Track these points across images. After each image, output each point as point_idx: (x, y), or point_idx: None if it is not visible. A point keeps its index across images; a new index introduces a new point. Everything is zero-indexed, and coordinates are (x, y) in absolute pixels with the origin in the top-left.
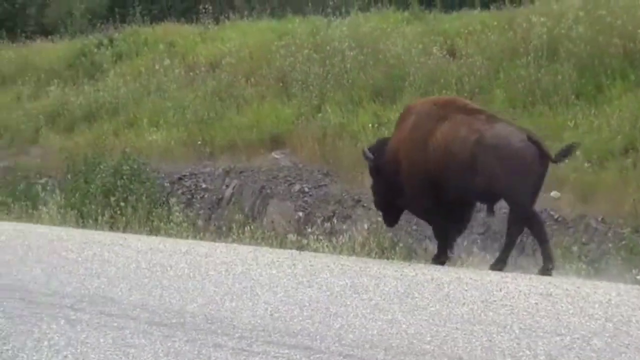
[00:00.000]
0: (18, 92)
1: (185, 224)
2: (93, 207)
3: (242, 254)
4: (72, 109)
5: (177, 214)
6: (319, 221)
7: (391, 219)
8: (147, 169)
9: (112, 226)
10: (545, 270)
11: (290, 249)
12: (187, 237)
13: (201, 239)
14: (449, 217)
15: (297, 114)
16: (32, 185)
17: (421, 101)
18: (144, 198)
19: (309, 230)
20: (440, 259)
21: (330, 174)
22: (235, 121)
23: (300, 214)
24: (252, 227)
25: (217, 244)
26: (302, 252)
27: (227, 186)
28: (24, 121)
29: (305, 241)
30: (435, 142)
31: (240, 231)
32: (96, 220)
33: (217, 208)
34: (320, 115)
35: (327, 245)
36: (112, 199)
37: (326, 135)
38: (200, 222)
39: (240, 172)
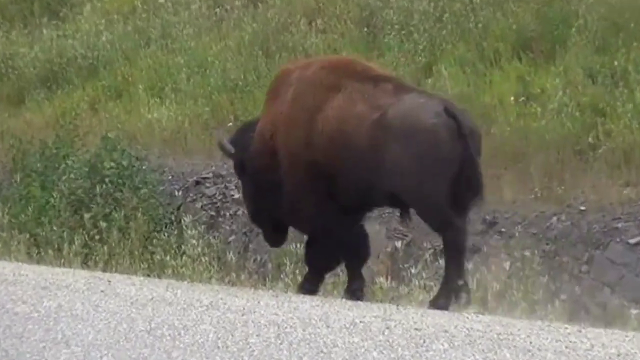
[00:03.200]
0: None
1: (206, 259)
2: (55, 229)
3: (304, 312)
4: (21, 66)
5: (193, 241)
6: (426, 255)
7: (274, 235)
8: (145, 167)
9: (87, 261)
10: (441, 304)
11: (382, 301)
12: (209, 280)
13: (234, 283)
14: (344, 231)
15: None
16: None
17: (302, 64)
18: (138, 215)
19: (411, 270)
20: (311, 285)
21: None
22: None
23: (397, 243)
24: None
25: (260, 292)
26: (399, 307)
27: None
28: None
29: (405, 289)
30: (324, 123)
31: (297, 271)
32: (60, 250)
33: (259, 232)
34: (430, 81)
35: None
36: (87, 215)
37: None
38: (230, 256)
39: None
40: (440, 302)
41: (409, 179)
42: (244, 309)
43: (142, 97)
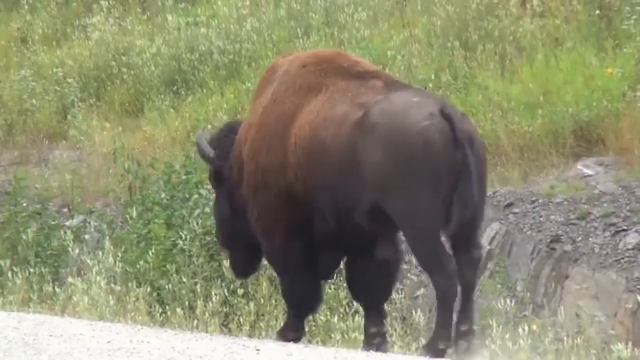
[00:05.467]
0: None
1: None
2: (185, 280)
3: None
4: (138, 64)
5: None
6: None
7: (244, 264)
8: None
9: (228, 322)
10: (433, 351)
11: None
12: (392, 346)
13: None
14: (324, 265)
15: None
16: None
17: (288, 59)
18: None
19: None
20: (293, 332)
21: None
22: (498, 87)
23: None
24: (534, 327)
25: None
26: None
27: None
28: None
29: None
30: (298, 134)
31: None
32: (192, 309)
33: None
34: None
35: None
36: (227, 263)
37: None
38: (419, 316)
39: (508, 205)
40: (437, 346)
41: (395, 189)
42: None
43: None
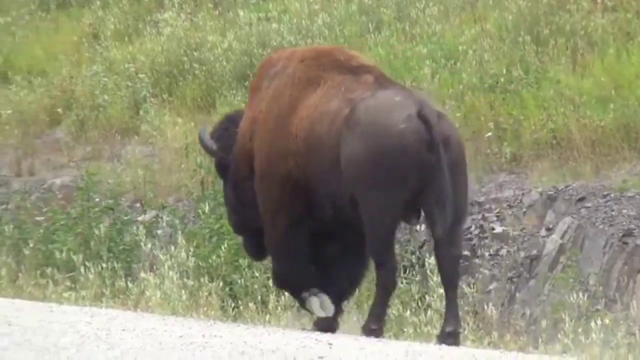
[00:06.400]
0: None
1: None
2: (257, 275)
3: None
4: (210, 60)
5: (440, 290)
6: None
7: (256, 246)
8: None
9: (300, 317)
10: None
11: None
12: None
13: (495, 345)
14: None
15: None
16: None
17: (287, 53)
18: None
19: None
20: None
21: None
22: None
23: None
24: (607, 321)
25: (530, 357)
26: None
27: (550, 229)
28: None
29: None
30: (299, 126)
31: (579, 329)
32: (264, 303)
33: (526, 283)
34: None
35: None
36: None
37: None
38: (491, 310)
39: (580, 200)
40: (366, 326)
41: (364, 182)
42: None
43: None
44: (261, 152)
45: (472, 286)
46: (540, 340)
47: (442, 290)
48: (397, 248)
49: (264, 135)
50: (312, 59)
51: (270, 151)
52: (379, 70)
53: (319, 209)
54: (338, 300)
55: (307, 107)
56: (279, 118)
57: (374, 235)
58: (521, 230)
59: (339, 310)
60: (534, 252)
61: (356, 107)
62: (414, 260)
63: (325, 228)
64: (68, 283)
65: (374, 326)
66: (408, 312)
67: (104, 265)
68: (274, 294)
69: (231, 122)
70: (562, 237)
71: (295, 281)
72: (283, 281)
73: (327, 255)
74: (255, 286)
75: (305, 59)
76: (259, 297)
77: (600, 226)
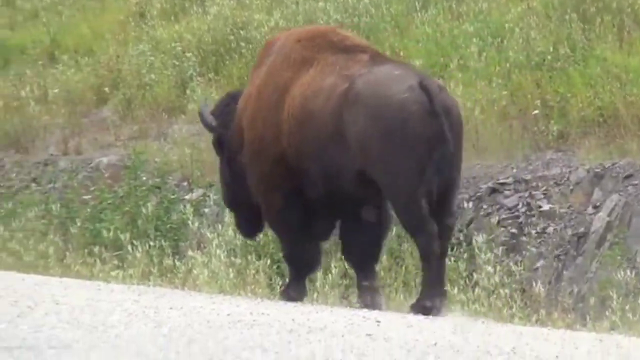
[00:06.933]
0: None
1: (506, 291)
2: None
3: None
4: (257, 39)
5: (488, 268)
6: None
7: (248, 224)
8: None
9: (348, 295)
10: (420, 308)
11: None
12: (511, 319)
13: (543, 323)
14: (318, 227)
15: None
16: None
17: (285, 34)
18: None
19: None
20: (294, 292)
21: None
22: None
23: None
24: None
25: (579, 334)
26: None
27: (597, 207)
28: None
29: None
30: (291, 104)
31: (627, 306)
32: (312, 281)
33: (573, 261)
34: None
35: None
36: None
37: None
38: (539, 287)
39: (627, 177)
40: (424, 304)
41: (377, 156)
42: (557, 357)
43: None
44: (252, 132)
45: (519, 264)
46: (587, 318)
47: (490, 268)
48: None
49: (255, 114)
50: (308, 40)
51: (263, 132)
52: (374, 50)
53: (310, 185)
54: (363, 265)
55: (299, 86)
56: (272, 98)
57: (401, 204)
58: (568, 207)
59: (370, 276)
60: (581, 229)
61: (354, 82)
62: (461, 238)
63: (317, 204)
64: (115, 262)
65: (429, 303)
66: (456, 289)
67: (151, 243)
68: (321, 272)
69: (233, 98)
70: (609, 215)
71: (299, 256)
72: (289, 257)
73: (324, 229)
74: None
75: (302, 40)
76: None
77: None
